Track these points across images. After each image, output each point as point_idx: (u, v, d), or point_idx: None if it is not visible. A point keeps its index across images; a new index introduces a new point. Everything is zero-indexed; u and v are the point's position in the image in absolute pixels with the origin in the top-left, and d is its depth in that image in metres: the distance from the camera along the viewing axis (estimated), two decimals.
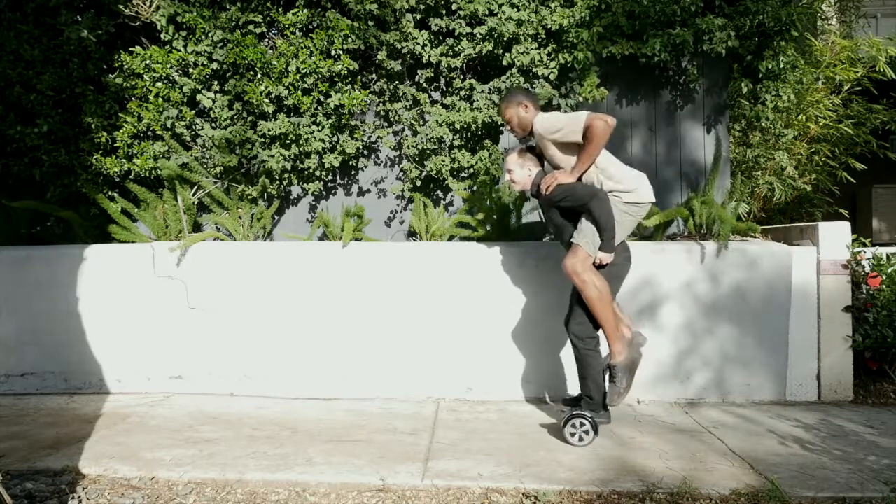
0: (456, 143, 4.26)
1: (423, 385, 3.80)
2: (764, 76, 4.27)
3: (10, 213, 4.32)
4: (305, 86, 4.11)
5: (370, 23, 4.11)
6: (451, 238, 4.24)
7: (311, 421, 3.33)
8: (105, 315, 3.90)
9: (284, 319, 3.85)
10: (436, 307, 3.79)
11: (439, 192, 4.52)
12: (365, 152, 4.50)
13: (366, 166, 4.51)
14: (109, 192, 4.31)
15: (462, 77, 4.29)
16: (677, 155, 4.53)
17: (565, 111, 4.25)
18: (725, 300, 3.75)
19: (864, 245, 4.13)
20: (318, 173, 4.31)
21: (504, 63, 4.13)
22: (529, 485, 2.49)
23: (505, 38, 4.07)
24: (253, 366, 3.86)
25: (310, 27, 4.21)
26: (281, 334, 3.85)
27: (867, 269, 3.92)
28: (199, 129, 4.23)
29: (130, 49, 4.16)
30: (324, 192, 4.53)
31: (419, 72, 4.29)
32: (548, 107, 4.32)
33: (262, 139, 4.19)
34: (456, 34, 4.15)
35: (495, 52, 4.13)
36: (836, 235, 3.76)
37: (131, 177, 4.30)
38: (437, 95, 4.40)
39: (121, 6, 4.02)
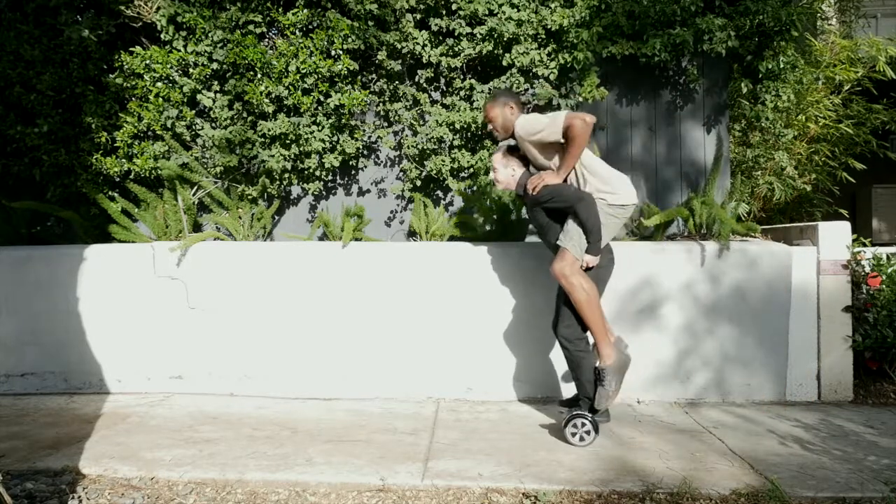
0: (456, 143, 4.26)
1: (423, 385, 3.80)
2: (764, 76, 4.27)
3: (10, 213, 4.32)
4: (305, 86, 4.11)
5: (370, 23, 4.11)
6: (451, 238, 4.24)
7: (311, 421, 3.33)
8: (105, 315, 3.90)
9: (284, 319, 3.85)
10: (436, 307, 3.79)
11: (439, 192, 4.53)
12: (365, 152, 4.50)
13: (366, 166, 4.51)
14: (109, 192, 4.31)
15: (462, 77, 4.29)
16: (677, 155, 4.53)
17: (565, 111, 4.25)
18: (725, 300, 3.75)
19: (864, 245, 4.14)
20: (318, 173, 4.31)
21: (504, 63, 4.13)
22: (529, 485, 2.49)
23: (505, 38, 4.07)
24: (253, 366, 3.86)
25: (310, 27, 4.21)
26: (281, 334, 3.85)
27: (867, 269, 3.92)
28: (199, 129, 4.23)
29: (130, 49, 4.16)
30: (324, 192, 4.53)
31: (419, 72, 4.29)
32: (548, 107, 4.33)
33: (262, 139, 4.19)
34: (456, 34, 4.15)
35: (495, 52, 4.13)
36: (836, 235, 3.76)
37: (131, 177, 4.30)
38: (437, 95, 4.40)
39: (121, 6, 4.03)
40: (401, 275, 3.82)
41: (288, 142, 4.16)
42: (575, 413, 2.95)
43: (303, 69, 4.06)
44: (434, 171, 4.27)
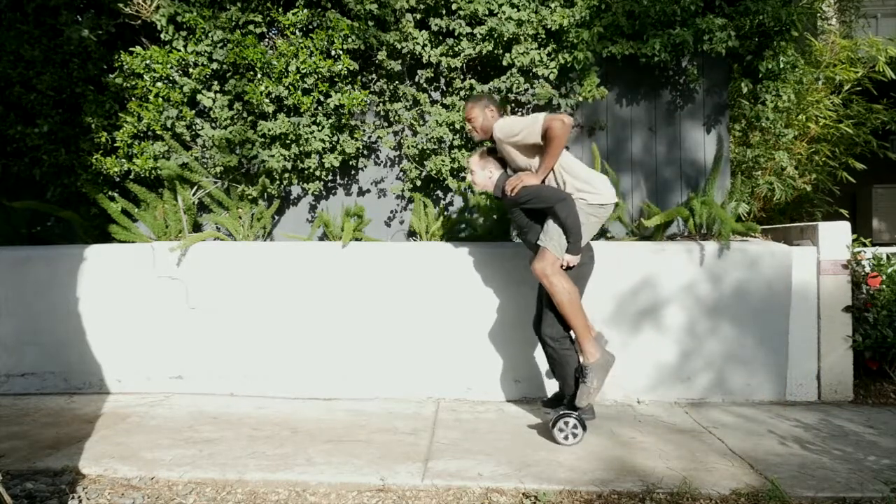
0: (456, 143, 4.26)
1: (422, 385, 3.80)
2: (764, 76, 4.27)
3: (10, 213, 4.32)
4: (305, 86, 4.11)
5: (370, 23, 4.11)
6: (451, 238, 4.24)
7: (311, 421, 3.33)
8: (105, 315, 3.90)
9: (284, 319, 3.85)
10: (435, 307, 3.79)
11: (439, 192, 4.52)
12: (365, 152, 4.50)
13: (366, 166, 4.51)
14: (109, 192, 4.31)
15: (462, 77, 4.29)
16: (677, 155, 4.53)
17: (565, 111, 4.25)
18: (726, 300, 3.75)
19: (864, 245, 4.14)
20: (318, 173, 4.31)
21: (504, 63, 4.13)
22: (529, 485, 2.49)
23: (505, 38, 4.07)
24: (253, 366, 3.86)
25: (310, 27, 4.21)
26: (281, 334, 3.85)
27: (867, 269, 3.92)
28: (199, 129, 4.23)
29: (130, 49, 4.16)
30: (324, 192, 4.53)
31: (419, 72, 4.29)
32: (548, 106, 4.32)
33: (262, 139, 4.19)
34: (456, 34, 4.14)
35: (495, 52, 4.13)
36: (836, 235, 3.76)
37: (131, 177, 4.30)
38: (437, 95, 4.40)
39: (121, 5, 4.02)
40: (401, 275, 3.82)
41: (288, 142, 4.16)
42: (561, 413, 2.97)
43: (303, 69, 4.06)
44: (434, 171, 4.27)
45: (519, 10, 4.07)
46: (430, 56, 4.15)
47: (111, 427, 3.20)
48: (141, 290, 3.89)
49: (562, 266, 2.94)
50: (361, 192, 4.56)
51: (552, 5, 4.11)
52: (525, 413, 3.51)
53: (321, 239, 4.34)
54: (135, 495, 2.43)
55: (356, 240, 4.00)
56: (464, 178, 4.38)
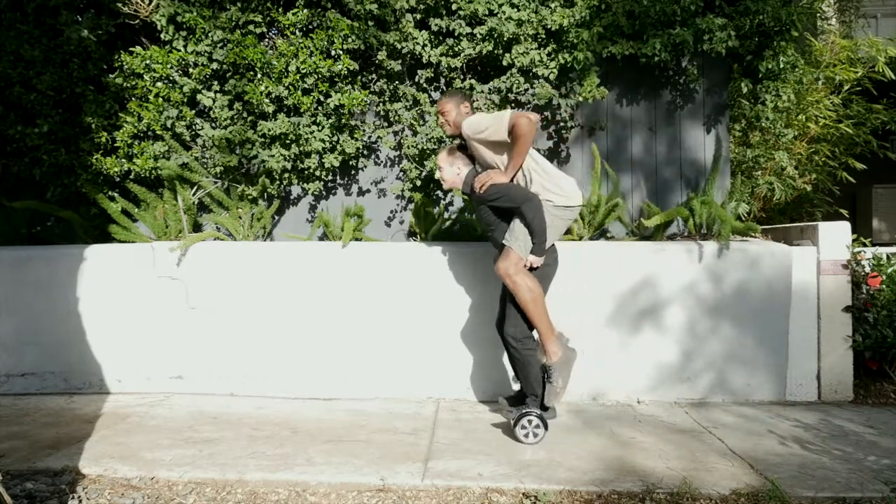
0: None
1: (422, 385, 3.80)
2: (764, 76, 4.27)
3: (10, 213, 4.32)
4: (305, 86, 4.11)
5: (370, 23, 4.11)
6: (450, 238, 4.23)
7: (311, 421, 3.33)
8: (105, 315, 3.90)
9: (284, 319, 3.85)
10: (435, 307, 3.79)
11: (439, 192, 4.52)
12: (365, 152, 4.50)
13: (366, 166, 4.51)
14: (109, 192, 4.30)
15: (462, 77, 4.29)
16: (677, 155, 4.53)
17: (566, 111, 4.26)
18: (726, 300, 3.75)
19: (864, 245, 4.14)
20: (318, 173, 4.31)
21: (504, 63, 4.13)
22: (529, 485, 2.49)
23: (505, 39, 4.07)
24: (253, 366, 3.86)
25: (310, 27, 4.21)
26: (281, 334, 3.85)
27: (867, 269, 3.92)
28: (199, 129, 4.23)
29: (130, 49, 4.16)
30: (324, 192, 4.53)
31: (419, 72, 4.29)
32: (548, 106, 4.33)
33: (262, 139, 4.19)
34: (456, 34, 4.14)
35: (495, 52, 4.13)
36: (836, 235, 3.76)
37: (131, 177, 4.29)
38: (437, 95, 4.40)
39: (120, 5, 4.02)
40: (400, 275, 3.82)
41: (288, 142, 4.16)
42: (523, 412, 2.98)
43: (303, 69, 4.06)
44: (434, 171, 4.27)
45: (519, 10, 4.07)
46: (430, 56, 4.15)
47: (111, 427, 3.20)
48: (141, 290, 3.89)
49: (525, 267, 2.96)
50: (361, 192, 4.56)
51: (552, 5, 4.11)
52: None
53: (321, 239, 4.34)
54: (135, 495, 2.43)
55: (356, 240, 4.00)
56: None
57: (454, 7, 4.08)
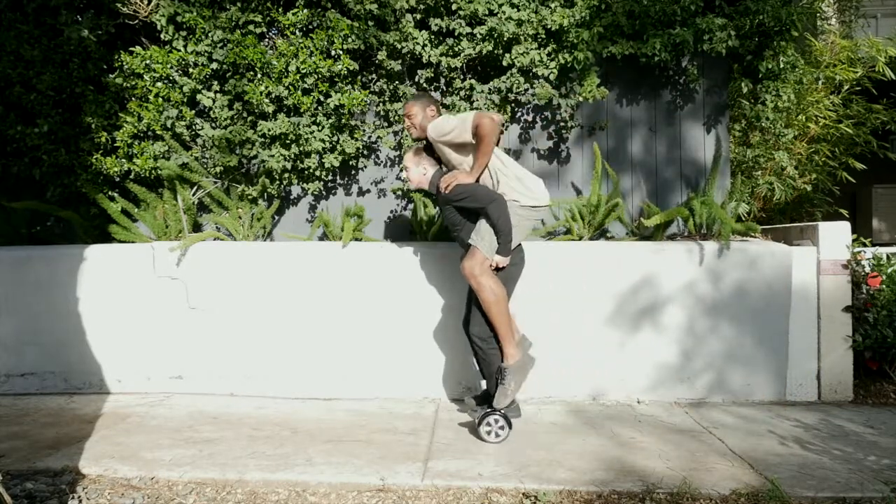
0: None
1: (422, 385, 3.80)
2: (764, 76, 4.27)
3: (10, 213, 4.32)
4: (305, 86, 4.11)
5: (370, 23, 4.11)
6: (450, 238, 4.23)
7: (311, 421, 3.33)
8: (105, 315, 3.90)
9: (284, 319, 3.85)
10: (435, 307, 3.79)
11: None
12: (365, 152, 4.49)
13: (366, 166, 4.51)
14: (109, 192, 4.30)
15: (462, 77, 4.29)
16: (677, 155, 4.53)
17: (566, 111, 4.26)
18: (726, 300, 3.75)
19: (864, 245, 4.14)
20: (318, 173, 4.31)
21: (504, 63, 4.13)
22: (529, 485, 2.49)
23: (505, 38, 4.07)
24: (253, 366, 3.86)
25: (310, 27, 4.21)
26: (281, 334, 3.85)
27: (867, 269, 3.92)
28: (199, 129, 4.23)
29: (130, 49, 4.16)
30: (324, 192, 4.53)
31: (419, 72, 4.29)
32: (548, 106, 4.33)
33: (262, 139, 4.19)
34: (456, 34, 4.14)
35: (495, 52, 4.13)
36: (836, 235, 3.76)
37: (131, 177, 4.29)
38: (437, 95, 4.40)
39: (119, 5, 4.02)
40: (400, 275, 3.82)
41: (288, 142, 4.16)
42: (487, 412, 3.00)
43: (303, 69, 4.06)
44: None
45: (519, 10, 4.07)
46: (430, 56, 4.15)
47: (111, 427, 3.20)
48: (141, 290, 3.89)
49: (490, 267, 2.97)
50: (361, 192, 4.56)
51: (552, 5, 4.11)
52: (525, 414, 3.50)
53: (321, 239, 4.34)
54: (135, 495, 2.43)
55: (356, 240, 4.00)
56: None
57: (454, 7, 4.08)
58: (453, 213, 3.09)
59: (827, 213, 5.32)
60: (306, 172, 4.30)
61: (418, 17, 4.17)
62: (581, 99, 4.18)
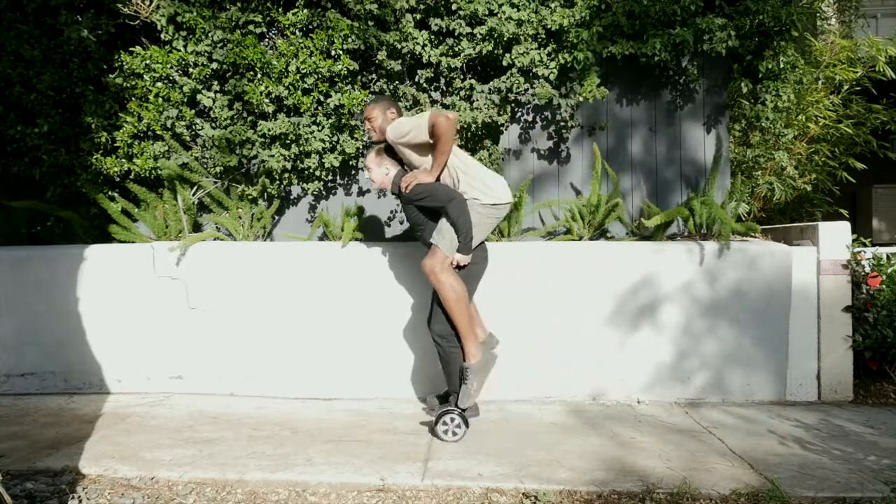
0: (456, 143, 4.26)
1: (422, 385, 3.80)
2: (764, 76, 4.27)
3: (10, 213, 4.32)
4: (305, 86, 4.11)
5: (370, 23, 4.11)
6: None
7: (311, 421, 3.33)
8: (105, 315, 3.90)
9: (284, 319, 3.85)
10: None
11: None
12: (365, 152, 4.49)
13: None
14: (109, 192, 4.30)
15: (462, 77, 4.29)
16: (677, 155, 4.53)
17: (566, 111, 4.26)
18: (725, 300, 3.75)
19: (864, 245, 4.14)
20: (318, 173, 4.31)
21: (504, 63, 4.13)
22: (529, 485, 2.49)
23: (505, 38, 4.07)
24: (253, 366, 3.86)
25: (310, 27, 4.21)
26: (281, 334, 3.85)
27: (867, 269, 3.92)
28: (199, 129, 4.23)
29: (130, 49, 4.16)
30: (324, 192, 4.53)
31: (419, 72, 4.29)
32: (548, 106, 4.33)
33: (262, 139, 4.19)
34: (456, 34, 4.14)
35: (495, 52, 4.13)
36: (836, 235, 3.76)
37: (131, 177, 4.29)
38: (437, 95, 4.40)
39: (120, 5, 4.02)
40: (400, 275, 3.82)
41: (288, 142, 4.16)
42: (444, 410, 3.02)
43: (303, 69, 4.06)
44: None
45: (519, 10, 4.07)
46: (430, 56, 4.15)
47: (111, 427, 3.20)
48: (141, 290, 3.89)
49: (452, 265, 2.99)
50: (361, 192, 4.56)
51: (552, 5, 4.11)
52: (525, 413, 3.51)
53: (321, 239, 4.34)
54: (135, 495, 2.43)
55: (356, 240, 4.00)
56: None
57: (454, 7, 4.08)
58: (415, 213, 3.13)
59: (827, 213, 5.32)
60: (306, 172, 4.30)
61: (418, 17, 4.17)
62: (581, 99, 4.18)
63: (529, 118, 4.46)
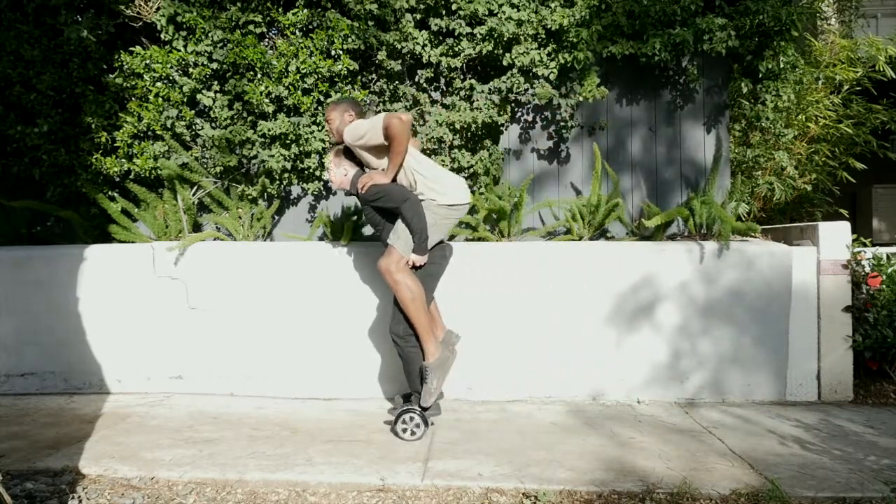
0: (456, 143, 4.26)
1: None
2: (764, 76, 4.27)
3: (10, 213, 4.32)
4: (305, 86, 4.11)
5: (370, 23, 4.11)
6: (450, 238, 4.23)
7: (311, 421, 3.33)
8: (105, 315, 3.90)
9: (285, 319, 3.85)
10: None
11: None
12: None
13: None
14: (109, 192, 4.30)
15: (462, 77, 4.29)
16: (677, 155, 4.53)
17: (566, 111, 4.26)
18: (725, 300, 3.75)
19: (865, 245, 4.14)
20: (318, 173, 4.31)
21: (504, 63, 4.13)
22: (529, 485, 2.49)
23: (505, 38, 4.07)
24: (253, 366, 3.86)
25: (310, 27, 4.21)
26: (281, 334, 3.85)
27: (867, 269, 3.92)
28: (199, 129, 4.23)
29: (130, 49, 4.16)
30: (324, 192, 4.53)
31: (419, 72, 4.29)
32: (548, 106, 4.33)
33: (262, 139, 4.19)
34: (456, 34, 4.14)
35: (495, 52, 4.13)
36: (836, 235, 3.76)
37: (131, 177, 4.29)
38: (437, 95, 4.40)
39: (121, 6, 4.02)
40: None
41: (288, 142, 4.16)
42: (404, 409, 3.03)
43: (303, 69, 4.06)
44: None
45: (519, 10, 4.07)
46: (430, 56, 4.15)
47: (111, 427, 3.20)
48: (141, 290, 3.89)
49: (408, 265, 3.00)
50: None
51: (552, 5, 4.11)
52: (525, 413, 3.51)
53: (321, 239, 4.34)
54: (135, 495, 2.43)
55: (356, 240, 4.00)
56: (464, 179, 4.37)
57: (454, 7, 4.08)
58: (373, 213, 3.15)
59: (827, 213, 5.32)
60: (306, 172, 4.30)
61: (418, 17, 4.17)
62: (581, 99, 4.18)
63: (529, 118, 4.46)
